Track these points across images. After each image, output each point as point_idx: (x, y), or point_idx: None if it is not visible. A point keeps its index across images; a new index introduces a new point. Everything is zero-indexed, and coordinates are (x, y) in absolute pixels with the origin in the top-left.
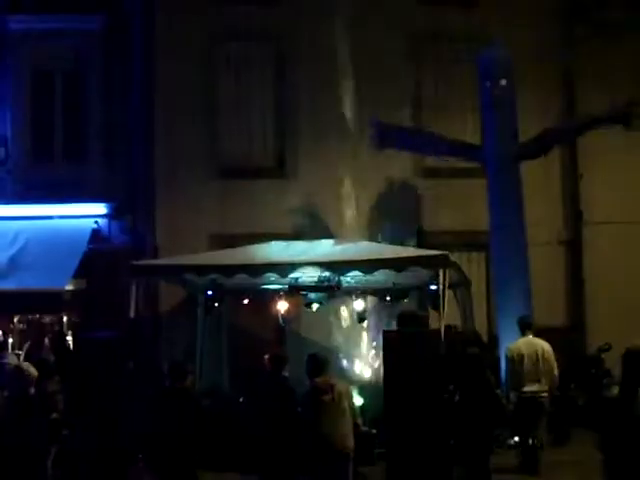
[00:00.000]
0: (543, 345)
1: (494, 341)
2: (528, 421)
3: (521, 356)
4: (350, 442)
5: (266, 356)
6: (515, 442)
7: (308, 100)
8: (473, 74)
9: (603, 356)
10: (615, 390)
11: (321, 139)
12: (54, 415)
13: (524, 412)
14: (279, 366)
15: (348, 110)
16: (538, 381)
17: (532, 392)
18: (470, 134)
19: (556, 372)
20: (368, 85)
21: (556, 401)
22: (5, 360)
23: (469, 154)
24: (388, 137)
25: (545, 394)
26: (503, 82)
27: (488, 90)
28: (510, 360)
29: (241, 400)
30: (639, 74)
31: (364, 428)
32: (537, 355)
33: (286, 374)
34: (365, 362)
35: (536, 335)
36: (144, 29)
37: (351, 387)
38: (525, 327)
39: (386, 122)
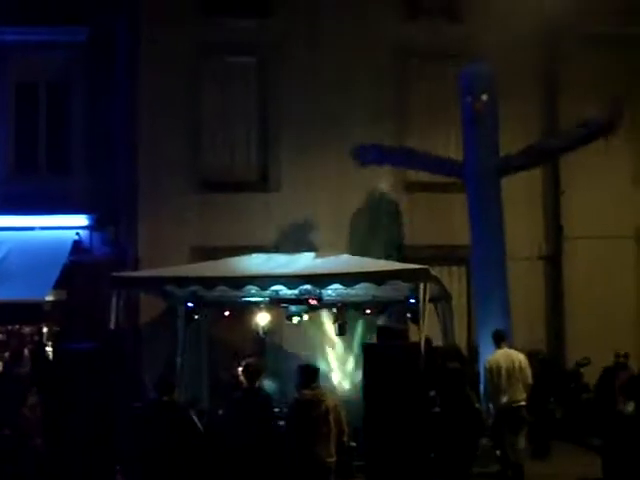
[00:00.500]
0: (519, 356)
1: (474, 354)
2: (508, 432)
3: (499, 368)
4: (332, 456)
5: (239, 368)
6: (497, 455)
7: (291, 113)
8: (456, 89)
9: (582, 370)
10: (630, 407)
11: (304, 153)
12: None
13: (504, 423)
14: (253, 377)
15: (331, 123)
16: (516, 391)
17: (511, 402)
18: (454, 149)
19: (530, 382)
20: (351, 99)
21: (535, 414)
22: None
23: (450, 169)
24: (370, 155)
25: (523, 403)
26: (484, 97)
27: (469, 105)
28: (489, 372)
29: (220, 413)
30: (621, 89)
31: (352, 444)
32: (514, 366)
33: (261, 385)
34: (345, 375)
35: (516, 349)
36: (128, 41)
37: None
38: (499, 340)
39: (367, 143)
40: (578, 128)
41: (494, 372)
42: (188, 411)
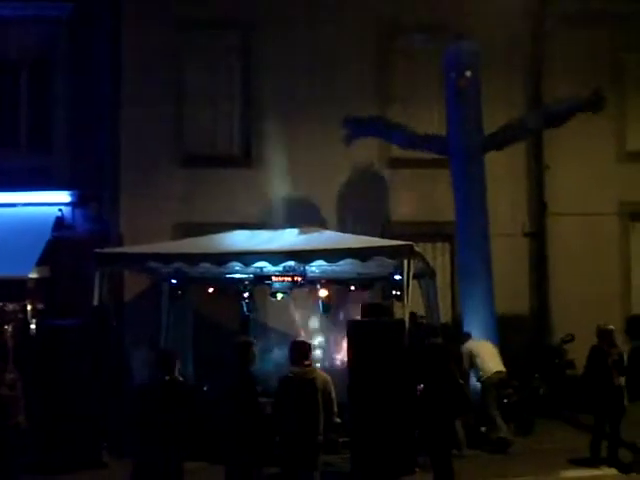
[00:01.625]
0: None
1: (459, 330)
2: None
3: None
4: (320, 433)
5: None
6: (482, 432)
7: (275, 89)
8: (440, 66)
9: (566, 347)
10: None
11: (288, 128)
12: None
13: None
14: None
15: (315, 99)
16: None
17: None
18: (437, 126)
19: None
20: (335, 74)
21: (519, 390)
22: None
23: (434, 146)
24: (358, 127)
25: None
26: (468, 74)
27: (453, 82)
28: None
29: (205, 389)
30: (605, 67)
31: (337, 420)
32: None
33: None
34: (329, 351)
35: (501, 325)
36: (110, 17)
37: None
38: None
39: (355, 116)
40: (560, 104)
41: (473, 355)
42: (192, 390)
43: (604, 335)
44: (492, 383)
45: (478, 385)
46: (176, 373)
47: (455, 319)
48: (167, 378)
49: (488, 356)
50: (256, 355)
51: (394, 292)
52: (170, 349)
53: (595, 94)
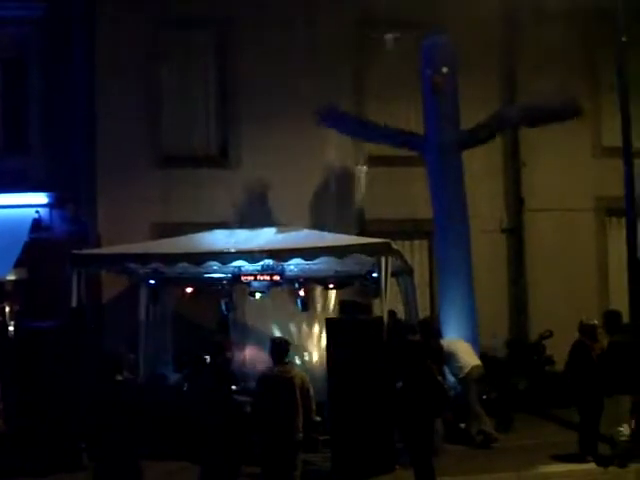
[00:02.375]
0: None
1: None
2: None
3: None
4: (299, 431)
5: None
6: (461, 428)
7: (250, 87)
8: (417, 61)
9: (544, 343)
10: None
11: (264, 127)
12: None
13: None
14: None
15: (291, 98)
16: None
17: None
18: (414, 122)
19: None
20: (311, 71)
21: (498, 387)
22: None
23: (411, 142)
24: (333, 118)
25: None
26: (445, 70)
27: (429, 78)
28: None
29: (185, 388)
30: (580, 63)
31: (317, 418)
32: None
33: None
34: (309, 350)
35: (480, 321)
36: (85, 17)
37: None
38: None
39: (331, 106)
40: (535, 108)
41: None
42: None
43: (587, 330)
44: (472, 378)
45: (452, 380)
46: (125, 374)
47: (433, 316)
48: (118, 378)
49: (463, 352)
50: (232, 354)
51: (372, 289)
52: (118, 351)
53: (573, 104)
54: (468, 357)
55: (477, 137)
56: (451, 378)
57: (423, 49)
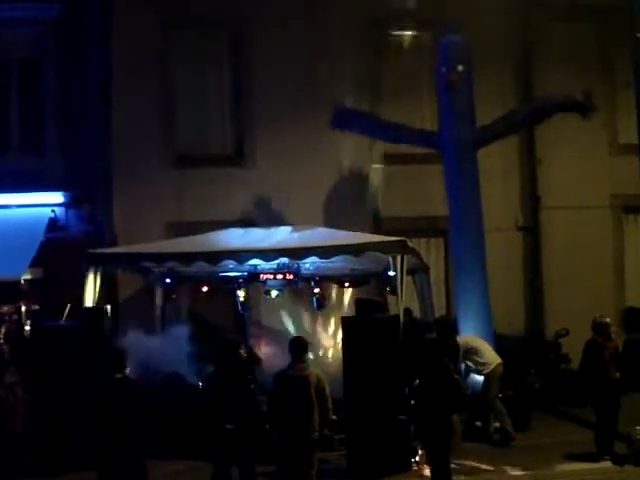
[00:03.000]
0: None
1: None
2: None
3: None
4: (315, 430)
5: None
6: (478, 426)
7: (265, 87)
8: (431, 59)
9: (560, 341)
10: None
11: (279, 126)
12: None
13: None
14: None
15: (305, 96)
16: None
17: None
18: (429, 120)
19: None
20: (325, 70)
21: (515, 385)
22: None
23: (426, 140)
24: (346, 120)
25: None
26: (460, 68)
27: (444, 76)
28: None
29: (200, 387)
30: (596, 60)
31: (333, 417)
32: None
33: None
34: (324, 349)
35: (495, 320)
36: (101, 17)
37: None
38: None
39: (345, 107)
40: (545, 101)
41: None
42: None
43: (600, 328)
44: (495, 376)
45: (474, 377)
46: (127, 371)
47: (449, 314)
48: (118, 376)
49: (486, 348)
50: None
51: (388, 288)
52: (121, 347)
53: (587, 99)
54: (491, 354)
55: (492, 135)
56: (475, 376)
57: (438, 47)
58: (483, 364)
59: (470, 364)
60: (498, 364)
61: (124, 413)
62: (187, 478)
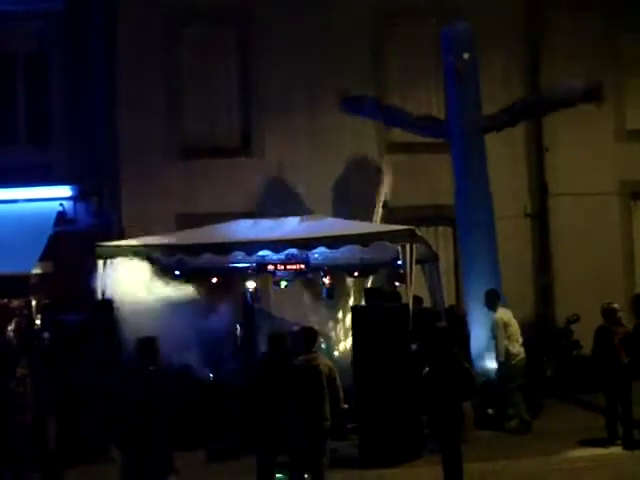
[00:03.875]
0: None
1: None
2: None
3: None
4: (327, 419)
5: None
6: (490, 413)
7: (271, 77)
8: (436, 48)
9: (571, 327)
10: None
11: (286, 116)
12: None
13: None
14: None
15: (313, 86)
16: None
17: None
18: (435, 109)
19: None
20: (333, 60)
21: (526, 372)
22: None
23: (434, 129)
24: (356, 104)
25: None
26: (466, 56)
27: (451, 64)
28: (498, 328)
29: (211, 377)
30: (603, 51)
31: (345, 406)
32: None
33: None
34: (335, 338)
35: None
36: (106, 10)
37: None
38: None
39: (353, 95)
40: (561, 90)
41: (502, 327)
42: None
43: (608, 314)
44: (520, 367)
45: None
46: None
47: (459, 303)
48: (151, 368)
49: (518, 336)
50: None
51: (397, 277)
52: (152, 337)
53: (596, 87)
54: (519, 344)
55: (500, 123)
56: (488, 363)
57: (444, 35)
58: (512, 354)
59: (499, 336)
60: (524, 358)
61: (158, 405)
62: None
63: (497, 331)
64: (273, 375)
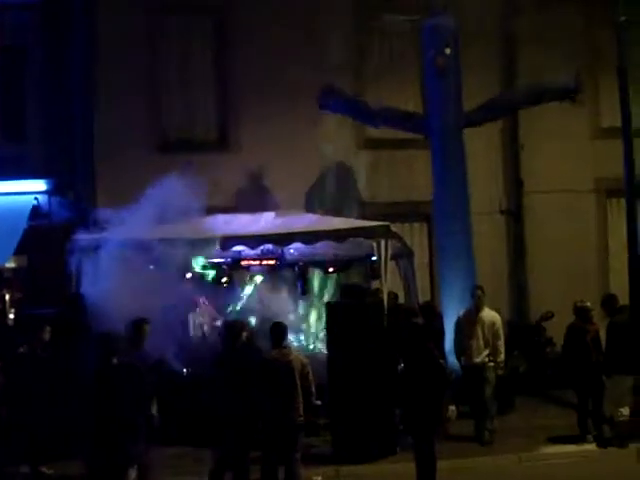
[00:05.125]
0: (494, 316)
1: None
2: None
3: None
4: (300, 415)
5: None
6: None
7: (250, 71)
8: (416, 42)
9: (545, 324)
10: None
11: (264, 111)
12: None
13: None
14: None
15: (290, 80)
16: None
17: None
18: (413, 105)
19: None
20: (310, 54)
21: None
22: None
23: (412, 124)
24: (333, 100)
25: (491, 364)
26: (448, 51)
27: (432, 59)
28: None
29: (185, 372)
30: (579, 44)
31: (317, 402)
32: (486, 325)
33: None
34: (309, 334)
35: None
36: (84, 3)
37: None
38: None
39: (333, 88)
40: (539, 87)
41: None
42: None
43: (581, 312)
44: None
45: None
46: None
47: (434, 299)
48: (115, 361)
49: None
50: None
51: (372, 273)
52: (111, 331)
53: (576, 80)
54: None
55: (480, 119)
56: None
57: (425, 30)
58: (499, 363)
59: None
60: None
61: (125, 398)
62: (184, 463)
63: (501, 331)
64: (235, 366)
